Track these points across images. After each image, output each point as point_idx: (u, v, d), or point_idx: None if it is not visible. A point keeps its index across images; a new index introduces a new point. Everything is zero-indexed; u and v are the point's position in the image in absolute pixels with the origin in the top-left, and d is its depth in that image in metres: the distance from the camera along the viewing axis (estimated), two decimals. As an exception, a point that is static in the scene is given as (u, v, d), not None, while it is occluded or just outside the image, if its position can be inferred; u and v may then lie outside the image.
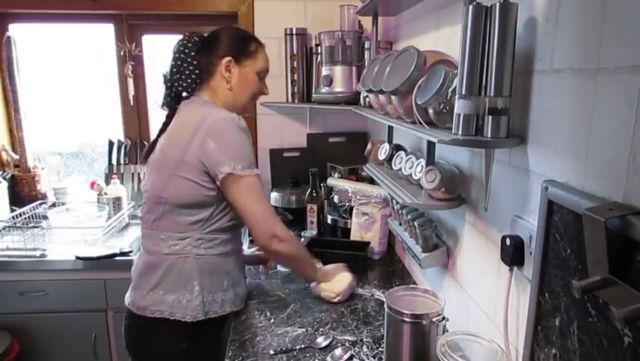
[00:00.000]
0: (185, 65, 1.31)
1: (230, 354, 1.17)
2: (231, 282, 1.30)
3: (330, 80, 1.98)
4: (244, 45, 1.35)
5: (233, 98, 1.34)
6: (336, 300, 1.41)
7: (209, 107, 1.28)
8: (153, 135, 2.52)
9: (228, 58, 1.31)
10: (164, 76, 1.34)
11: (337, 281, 1.43)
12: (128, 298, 1.31)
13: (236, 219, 1.29)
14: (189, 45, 1.31)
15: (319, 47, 2.08)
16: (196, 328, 1.24)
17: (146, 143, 2.48)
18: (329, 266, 1.47)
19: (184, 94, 1.33)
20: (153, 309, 1.24)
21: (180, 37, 1.33)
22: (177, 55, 1.31)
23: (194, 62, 1.31)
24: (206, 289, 1.25)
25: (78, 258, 1.88)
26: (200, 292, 1.24)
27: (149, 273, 1.26)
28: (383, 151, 1.49)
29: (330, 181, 2.02)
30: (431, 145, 1.21)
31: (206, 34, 1.36)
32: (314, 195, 1.99)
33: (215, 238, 1.27)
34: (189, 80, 1.31)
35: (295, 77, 2.20)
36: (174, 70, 1.31)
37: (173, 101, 1.33)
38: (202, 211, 1.24)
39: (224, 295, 1.28)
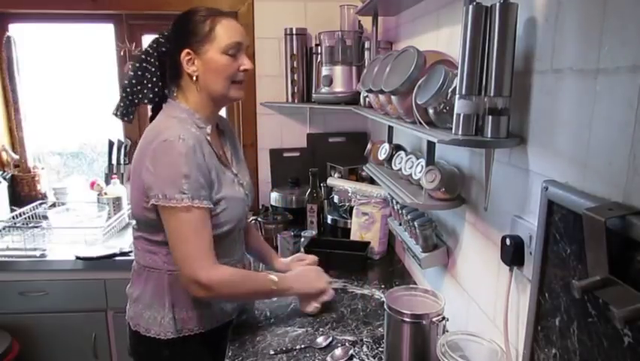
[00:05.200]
0: (148, 75, 1.20)
1: (230, 354, 1.17)
2: None
3: (330, 80, 1.98)
4: (195, 28, 1.15)
5: (204, 93, 1.18)
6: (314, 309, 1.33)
7: (168, 121, 1.16)
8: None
9: (186, 50, 1.15)
10: (123, 85, 1.23)
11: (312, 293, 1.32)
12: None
13: (216, 234, 1.17)
14: (150, 51, 1.21)
15: (319, 47, 2.08)
16: (174, 346, 1.20)
17: (146, 143, 2.47)
18: (292, 277, 1.31)
19: (146, 101, 1.23)
20: (134, 322, 1.23)
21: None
22: (139, 64, 1.21)
23: (157, 72, 1.20)
24: (179, 306, 1.19)
25: (78, 258, 1.88)
26: (171, 309, 1.18)
27: (135, 282, 1.25)
28: (383, 151, 1.49)
29: (330, 181, 2.02)
30: (431, 145, 1.21)
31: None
32: (314, 195, 1.98)
33: None
34: (151, 95, 1.21)
35: (295, 77, 2.20)
36: (134, 80, 1.21)
37: (132, 111, 1.25)
38: (159, 234, 1.16)
39: (202, 312, 1.21)
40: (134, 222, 1.24)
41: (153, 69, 1.21)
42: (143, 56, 1.21)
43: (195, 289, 1.12)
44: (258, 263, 1.63)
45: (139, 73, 1.21)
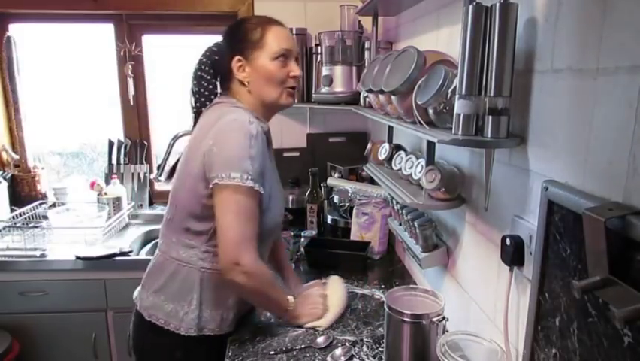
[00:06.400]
0: (204, 83, 1.25)
1: (230, 354, 1.17)
2: (237, 299, 1.22)
3: (330, 80, 1.98)
4: (246, 36, 1.19)
5: (257, 98, 1.21)
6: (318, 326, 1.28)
7: (227, 106, 1.18)
8: (153, 135, 2.54)
9: (236, 57, 1.19)
10: (190, 100, 1.29)
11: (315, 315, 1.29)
12: (136, 292, 1.29)
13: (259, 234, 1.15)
14: (204, 60, 1.26)
15: (319, 47, 2.08)
16: (191, 342, 1.19)
17: (145, 143, 2.48)
18: (302, 304, 1.29)
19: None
20: (151, 313, 1.21)
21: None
22: (195, 75, 1.26)
23: (213, 80, 1.26)
24: (205, 305, 1.19)
25: (78, 258, 1.88)
26: (198, 306, 1.18)
27: (156, 273, 1.24)
28: (383, 151, 1.49)
29: (330, 181, 2.02)
30: (431, 145, 1.21)
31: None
32: (314, 195, 1.98)
33: None
34: (208, 103, 1.26)
35: (295, 77, 2.20)
36: (195, 90, 1.27)
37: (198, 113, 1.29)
38: (208, 223, 1.15)
39: (225, 314, 1.21)
40: (165, 214, 1.24)
41: (209, 77, 1.26)
42: (197, 66, 1.26)
43: (234, 272, 1.08)
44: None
45: (195, 82, 1.26)
